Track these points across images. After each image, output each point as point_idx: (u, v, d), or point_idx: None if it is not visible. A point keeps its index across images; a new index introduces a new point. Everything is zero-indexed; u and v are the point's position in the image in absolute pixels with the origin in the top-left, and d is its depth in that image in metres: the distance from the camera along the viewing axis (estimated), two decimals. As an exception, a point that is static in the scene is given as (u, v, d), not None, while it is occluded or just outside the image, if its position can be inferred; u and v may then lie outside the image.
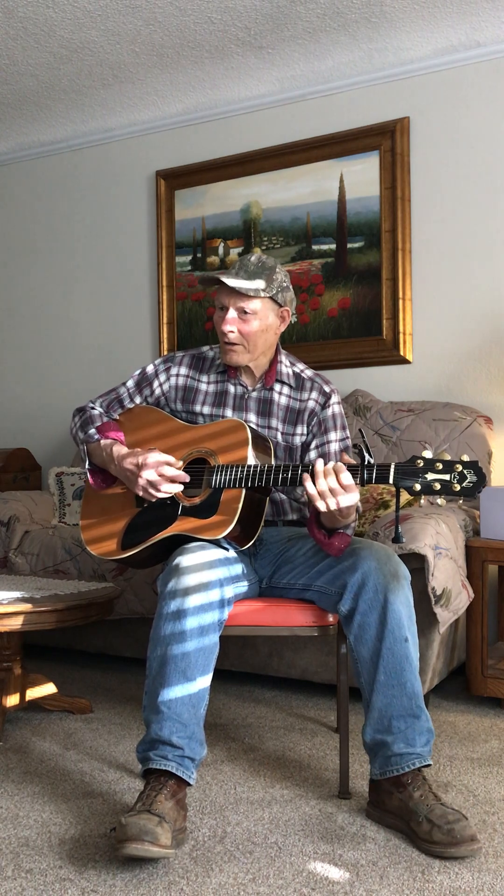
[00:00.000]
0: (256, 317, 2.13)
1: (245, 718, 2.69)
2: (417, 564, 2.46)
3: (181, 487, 2.06)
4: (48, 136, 4.38)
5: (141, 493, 2.07)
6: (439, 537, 2.54)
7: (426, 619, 2.52)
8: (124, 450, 2.14)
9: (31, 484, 4.24)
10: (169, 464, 2.05)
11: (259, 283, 2.12)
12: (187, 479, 2.05)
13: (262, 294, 2.12)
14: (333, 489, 1.82)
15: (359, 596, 1.91)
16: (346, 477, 1.82)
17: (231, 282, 2.09)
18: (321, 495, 1.83)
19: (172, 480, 2.05)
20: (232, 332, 2.12)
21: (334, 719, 2.66)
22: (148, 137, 4.19)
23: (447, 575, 2.53)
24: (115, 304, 4.30)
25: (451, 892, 1.60)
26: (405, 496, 2.92)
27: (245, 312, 2.12)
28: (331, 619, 2.07)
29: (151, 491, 2.04)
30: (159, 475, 2.03)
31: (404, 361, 3.56)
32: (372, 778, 1.93)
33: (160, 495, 2.05)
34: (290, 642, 2.86)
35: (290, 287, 2.21)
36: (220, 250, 3.98)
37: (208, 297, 3.99)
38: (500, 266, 3.40)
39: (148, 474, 2.03)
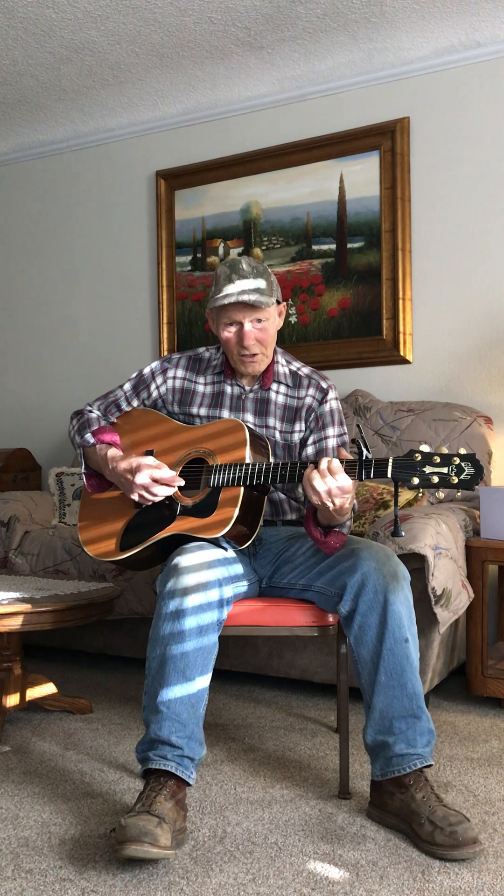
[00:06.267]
0: (269, 322, 2.16)
1: (245, 718, 2.69)
2: (417, 564, 2.46)
3: (175, 490, 2.06)
4: (48, 136, 4.38)
5: (136, 498, 2.07)
6: (439, 537, 2.54)
7: (426, 620, 2.52)
8: (119, 454, 2.14)
9: (31, 484, 4.24)
10: (160, 467, 2.06)
11: (262, 285, 2.12)
12: (181, 482, 2.06)
13: (271, 299, 2.12)
14: (330, 486, 1.83)
15: (359, 597, 1.91)
16: (342, 478, 1.84)
17: (252, 298, 2.07)
18: (320, 492, 1.84)
19: (166, 484, 2.05)
20: (254, 343, 2.13)
21: (334, 719, 2.66)
22: (148, 137, 4.19)
23: (447, 575, 2.52)
24: (115, 304, 4.30)
25: (451, 892, 1.60)
26: (406, 496, 2.92)
27: (259, 321, 2.13)
28: (331, 619, 2.07)
29: (145, 495, 2.05)
30: (153, 479, 2.04)
31: (404, 361, 3.56)
32: (373, 779, 1.93)
33: (154, 499, 2.05)
34: (290, 642, 2.86)
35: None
36: (220, 250, 3.98)
37: (208, 297, 3.98)
38: (500, 266, 3.40)
39: (141, 478, 2.03)
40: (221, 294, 2.10)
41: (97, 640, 3.31)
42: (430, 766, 1.89)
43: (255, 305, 2.10)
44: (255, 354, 2.15)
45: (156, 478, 2.04)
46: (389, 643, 1.88)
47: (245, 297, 2.08)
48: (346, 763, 2.06)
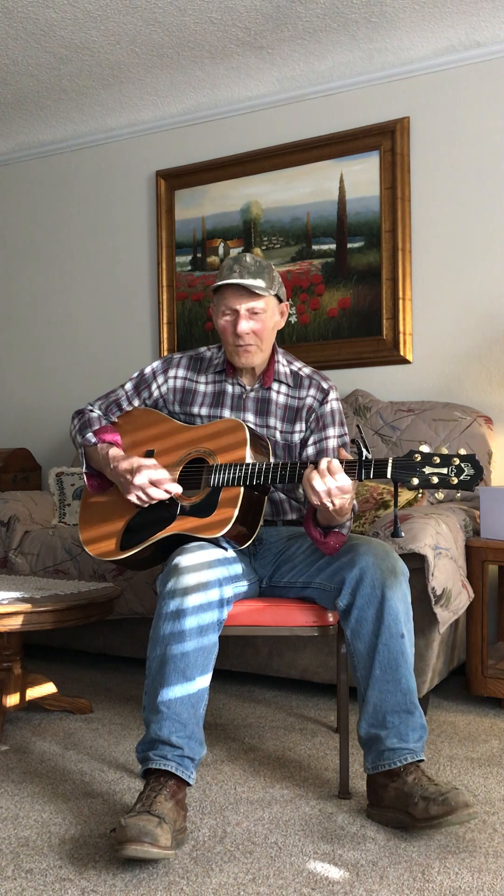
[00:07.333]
0: (266, 315, 2.16)
1: (245, 718, 2.69)
2: (417, 564, 2.46)
3: (172, 494, 2.07)
4: (48, 136, 4.38)
5: (133, 499, 2.08)
6: (439, 537, 2.54)
7: (426, 619, 2.52)
8: (120, 453, 2.15)
9: (31, 484, 4.24)
10: (159, 470, 2.07)
11: (263, 282, 2.13)
12: (179, 489, 2.07)
13: (269, 293, 2.14)
14: (330, 486, 1.83)
15: (356, 591, 1.92)
16: (342, 478, 1.84)
17: (247, 282, 2.10)
18: (320, 492, 1.84)
19: (163, 489, 2.06)
20: (248, 333, 2.14)
21: (334, 719, 2.66)
22: (148, 137, 4.19)
23: (447, 575, 2.52)
24: (114, 304, 4.30)
25: (451, 892, 1.60)
26: (406, 496, 2.92)
27: (255, 312, 2.14)
28: (331, 618, 2.07)
29: (142, 496, 2.05)
30: (150, 482, 2.04)
31: (404, 361, 3.56)
32: (366, 772, 1.94)
33: (150, 501, 2.06)
34: (290, 642, 2.86)
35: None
36: (220, 250, 3.98)
37: (208, 297, 3.98)
38: (500, 266, 3.40)
39: (139, 480, 2.04)
40: (222, 280, 2.12)
41: (97, 640, 3.31)
42: (422, 761, 1.90)
43: (252, 290, 2.11)
44: (249, 345, 2.16)
45: (154, 480, 2.04)
46: (385, 638, 1.89)
47: (242, 282, 2.10)
48: (346, 763, 2.06)
